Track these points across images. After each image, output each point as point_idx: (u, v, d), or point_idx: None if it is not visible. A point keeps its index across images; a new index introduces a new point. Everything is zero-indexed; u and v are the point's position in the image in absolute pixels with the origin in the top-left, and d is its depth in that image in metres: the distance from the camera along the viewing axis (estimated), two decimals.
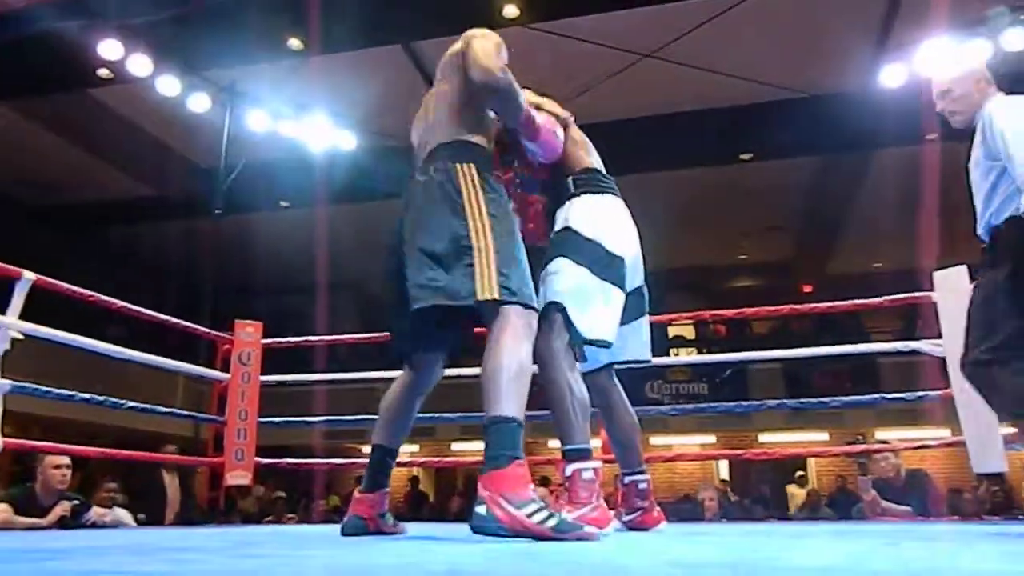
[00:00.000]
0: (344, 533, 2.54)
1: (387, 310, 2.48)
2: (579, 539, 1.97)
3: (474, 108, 2.51)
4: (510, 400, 2.11)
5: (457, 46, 2.58)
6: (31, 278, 3.91)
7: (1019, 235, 2.72)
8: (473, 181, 2.32)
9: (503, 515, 1.96)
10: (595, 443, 4.56)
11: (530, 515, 1.94)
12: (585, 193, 2.80)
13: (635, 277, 2.81)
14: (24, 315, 3.90)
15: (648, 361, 2.97)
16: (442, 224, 2.27)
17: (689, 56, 9.07)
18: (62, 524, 4.53)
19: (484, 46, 2.45)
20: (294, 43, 8.59)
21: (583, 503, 2.47)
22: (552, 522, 1.95)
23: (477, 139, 2.47)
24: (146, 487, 6.51)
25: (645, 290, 2.93)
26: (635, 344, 2.90)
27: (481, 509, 1.99)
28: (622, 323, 2.70)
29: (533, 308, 2.27)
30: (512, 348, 2.16)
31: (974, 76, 3.00)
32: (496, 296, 2.18)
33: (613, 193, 2.89)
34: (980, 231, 3.02)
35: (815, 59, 9.34)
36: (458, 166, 2.35)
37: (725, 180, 12.06)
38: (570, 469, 2.55)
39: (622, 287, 2.66)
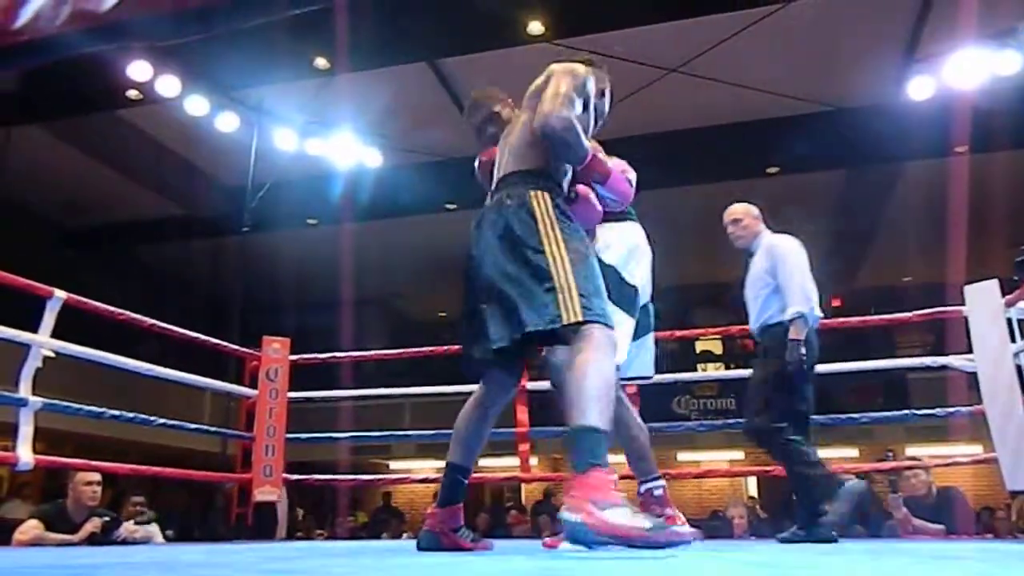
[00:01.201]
0: (419, 547, 2.57)
1: (462, 330, 2.50)
2: (670, 541, 1.94)
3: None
4: (596, 410, 2.10)
5: (541, 78, 2.58)
6: (62, 297, 3.96)
7: (782, 336, 3.72)
8: (547, 207, 2.35)
9: (592, 520, 1.92)
10: (620, 458, 4.54)
11: (620, 517, 1.92)
12: (607, 220, 2.90)
13: (643, 297, 2.96)
14: (55, 333, 3.95)
15: (650, 377, 3.12)
16: (520, 251, 2.30)
17: (715, 70, 9.05)
18: (93, 540, 4.56)
19: (557, 86, 2.45)
20: (320, 62, 8.66)
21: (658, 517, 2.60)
22: (646, 523, 1.93)
23: (551, 168, 2.50)
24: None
25: (651, 307, 3.00)
26: (640, 361, 3.03)
27: (568, 515, 1.95)
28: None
29: (611, 326, 2.27)
30: (599, 362, 2.16)
31: (752, 213, 4.15)
32: (580, 319, 2.19)
33: (632, 219, 3.01)
34: (753, 328, 4.02)
35: (842, 72, 9.29)
36: (532, 193, 2.39)
37: (752, 194, 11.94)
38: (643, 487, 2.89)
39: (632, 314, 2.84)
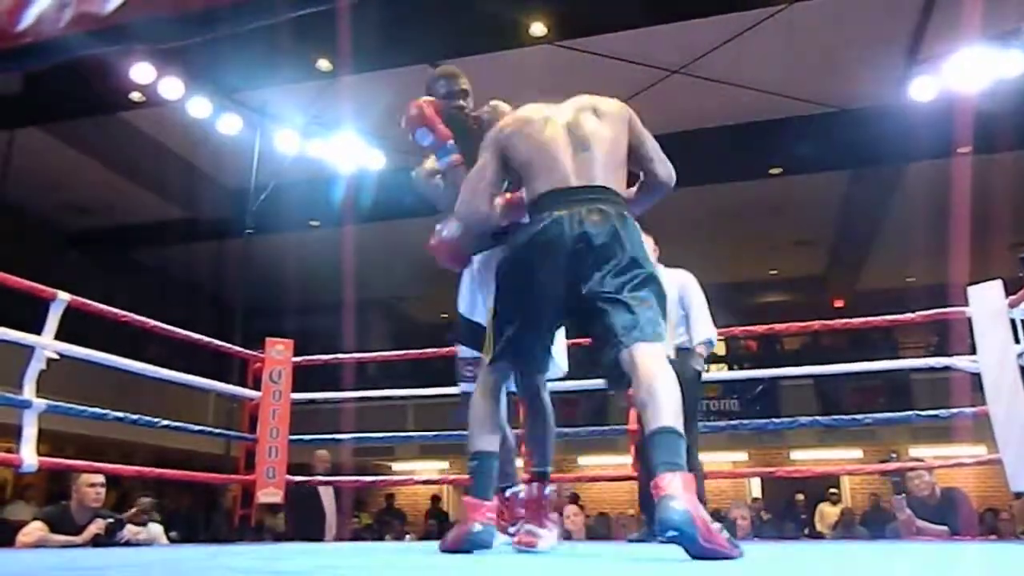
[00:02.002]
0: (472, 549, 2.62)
1: (523, 324, 2.49)
2: (729, 556, 1.93)
3: (627, 170, 2.63)
4: (678, 415, 2.19)
5: (621, 107, 2.75)
6: (65, 299, 3.97)
7: (686, 357, 4.25)
8: (641, 234, 2.49)
9: (700, 522, 1.90)
10: (627, 460, 4.54)
11: (714, 526, 1.94)
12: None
13: None
14: (59, 335, 3.95)
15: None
16: (632, 267, 2.36)
17: (718, 71, 9.05)
18: (96, 542, 4.56)
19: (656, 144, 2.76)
20: (323, 64, 8.67)
21: (552, 522, 2.72)
22: (725, 535, 1.96)
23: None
24: (303, 504, 6.49)
25: None
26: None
27: (678, 505, 1.91)
28: None
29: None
30: (669, 371, 2.29)
31: (651, 245, 4.21)
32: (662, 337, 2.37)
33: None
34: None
35: (844, 73, 9.28)
36: (629, 217, 2.49)
37: (755, 195, 12.00)
38: (549, 489, 2.84)
39: None
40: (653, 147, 2.73)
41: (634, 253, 2.38)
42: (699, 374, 4.33)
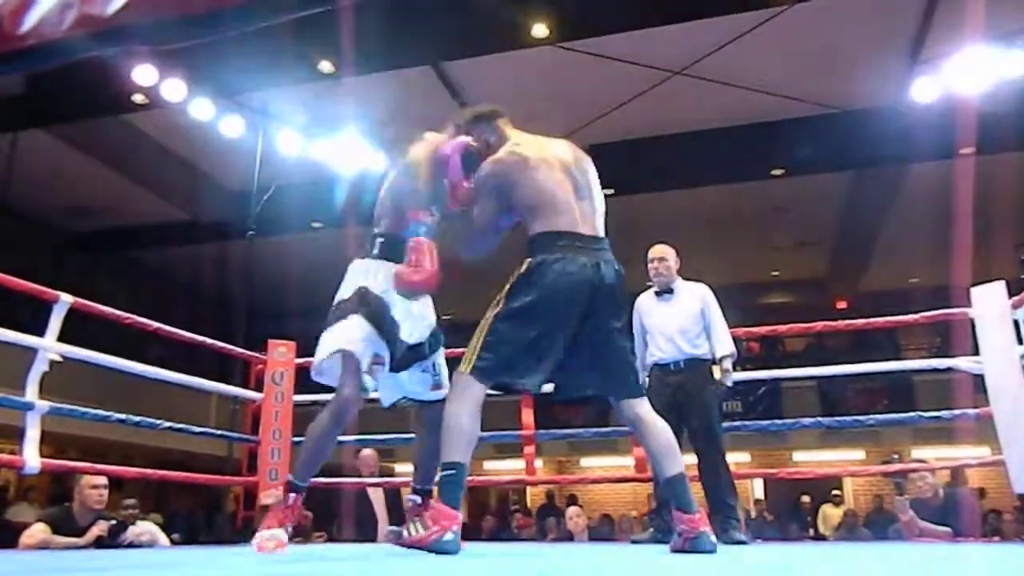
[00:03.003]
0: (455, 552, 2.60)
1: (535, 347, 2.60)
2: None
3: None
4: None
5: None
6: (68, 301, 3.97)
7: (706, 370, 4.46)
8: None
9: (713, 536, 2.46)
10: (630, 461, 4.55)
11: None
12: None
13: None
14: (61, 337, 3.96)
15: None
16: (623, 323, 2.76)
17: (719, 72, 9.05)
18: (99, 543, 4.56)
19: None
20: (325, 65, 8.67)
21: None
22: None
23: None
24: (356, 506, 6.47)
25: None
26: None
27: (712, 539, 2.53)
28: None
29: None
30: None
31: (675, 255, 4.65)
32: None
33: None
34: (677, 359, 4.46)
35: (846, 74, 9.28)
36: None
37: (757, 196, 12.00)
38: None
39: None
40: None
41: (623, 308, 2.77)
42: (726, 387, 4.45)
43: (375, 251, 2.92)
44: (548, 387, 2.85)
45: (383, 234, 2.95)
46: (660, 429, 2.70)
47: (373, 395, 3.02)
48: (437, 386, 2.89)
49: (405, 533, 2.40)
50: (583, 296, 2.59)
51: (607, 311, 2.65)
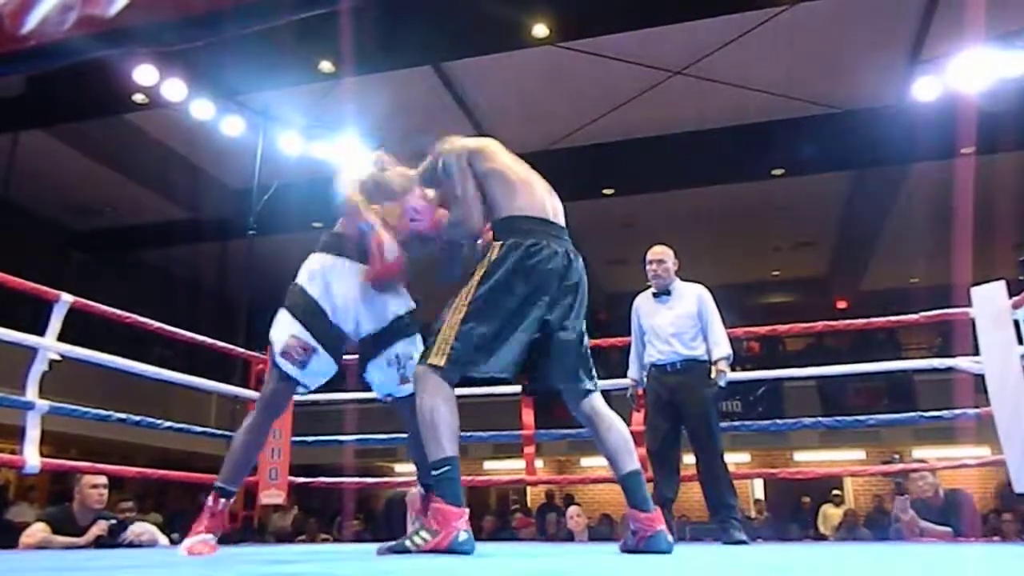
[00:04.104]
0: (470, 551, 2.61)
1: (510, 334, 2.56)
2: None
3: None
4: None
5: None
6: (68, 300, 3.97)
7: (703, 370, 4.43)
8: None
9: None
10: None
11: None
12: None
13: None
14: (62, 337, 3.96)
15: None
16: (583, 316, 2.72)
17: (720, 72, 9.05)
18: (99, 543, 4.57)
19: None
20: (325, 65, 8.68)
21: None
22: None
23: None
24: (394, 510, 6.49)
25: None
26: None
27: (669, 538, 2.56)
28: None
29: None
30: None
31: (673, 257, 4.64)
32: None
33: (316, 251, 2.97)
34: (674, 360, 4.48)
35: (847, 74, 9.28)
36: None
37: (757, 196, 12.00)
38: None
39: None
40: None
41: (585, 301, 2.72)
42: (720, 388, 4.43)
43: (318, 247, 2.92)
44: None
45: (333, 232, 2.95)
46: (615, 425, 2.67)
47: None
48: (404, 380, 2.81)
49: (409, 543, 2.33)
50: (553, 283, 2.57)
51: (571, 301, 2.63)
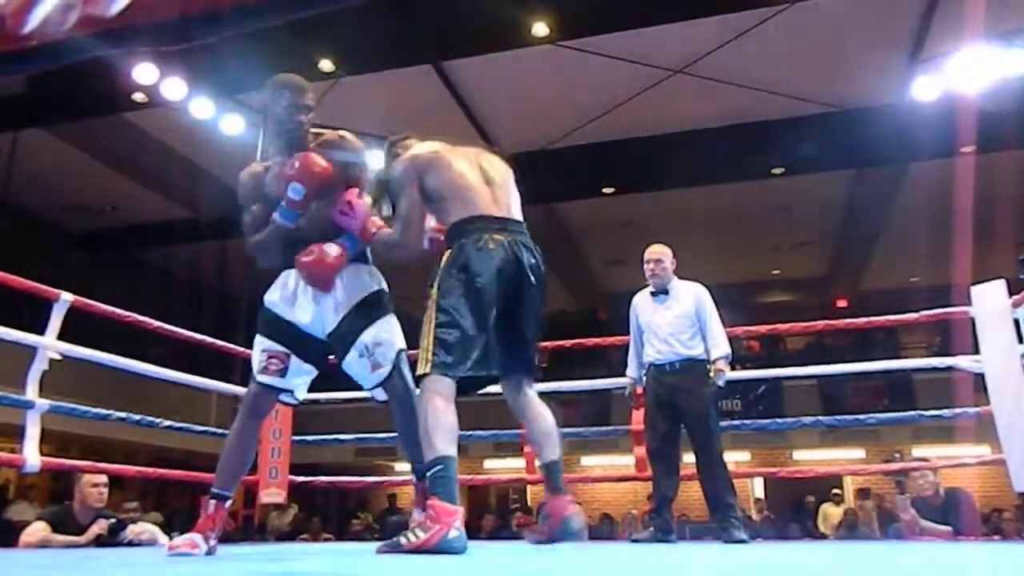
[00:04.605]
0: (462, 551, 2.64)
1: (479, 331, 2.62)
2: None
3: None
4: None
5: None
6: (68, 299, 3.97)
7: (702, 370, 4.43)
8: None
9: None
10: (630, 460, 4.55)
11: None
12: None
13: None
14: (62, 336, 3.96)
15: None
16: (541, 307, 2.82)
17: (720, 71, 9.04)
18: (99, 542, 4.57)
19: None
20: (325, 64, 8.67)
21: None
22: None
23: None
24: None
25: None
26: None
27: (582, 518, 2.59)
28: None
29: None
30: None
31: (671, 256, 4.68)
32: None
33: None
34: (672, 360, 4.49)
35: (847, 72, 9.27)
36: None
37: (757, 195, 12.00)
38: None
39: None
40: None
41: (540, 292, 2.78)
42: (718, 387, 4.44)
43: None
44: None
45: None
46: (544, 415, 2.78)
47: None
48: (376, 365, 2.82)
49: (403, 539, 2.34)
50: (505, 274, 2.65)
51: (522, 290, 2.71)
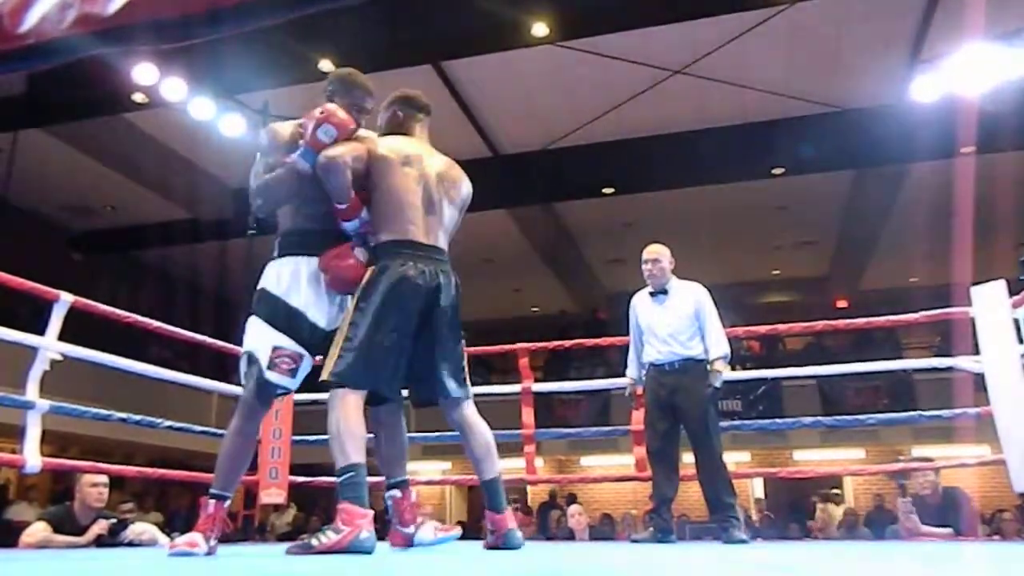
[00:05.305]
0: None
1: (390, 355, 2.69)
2: None
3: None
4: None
5: (468, 188, 3.08)
6: (68, 300, 3.97)
7: (702, 370, 4.41)
8: None
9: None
10: (630, 460, 4.55)
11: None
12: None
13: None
14: (62, 336, 3.96)
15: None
16: (459, 328, 2.89)
17: (720, 71, 9.05)
18: (100, 542, 4.56)
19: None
20: (325, 64, 8.67)
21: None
22: None
23: None
24: None
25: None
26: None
27: (520, 536, 2.66)
28: None
29: None
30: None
31: (669, 256, 4.65)
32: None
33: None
34: (672, 360, 4.47)
35: (847, 73, 9.28)
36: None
37: (757, 195, 11.99)
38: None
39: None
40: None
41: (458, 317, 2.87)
42: (716, 388, 4.42)
43: (280, 250, 2.94)
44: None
45: (293, 231, 2.97)
46: (482, 433, 2.87)
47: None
48: None
49: (314, 541, 2.41)
50: (422, 301, 2.73)
51: (444, 317, 2.79)
